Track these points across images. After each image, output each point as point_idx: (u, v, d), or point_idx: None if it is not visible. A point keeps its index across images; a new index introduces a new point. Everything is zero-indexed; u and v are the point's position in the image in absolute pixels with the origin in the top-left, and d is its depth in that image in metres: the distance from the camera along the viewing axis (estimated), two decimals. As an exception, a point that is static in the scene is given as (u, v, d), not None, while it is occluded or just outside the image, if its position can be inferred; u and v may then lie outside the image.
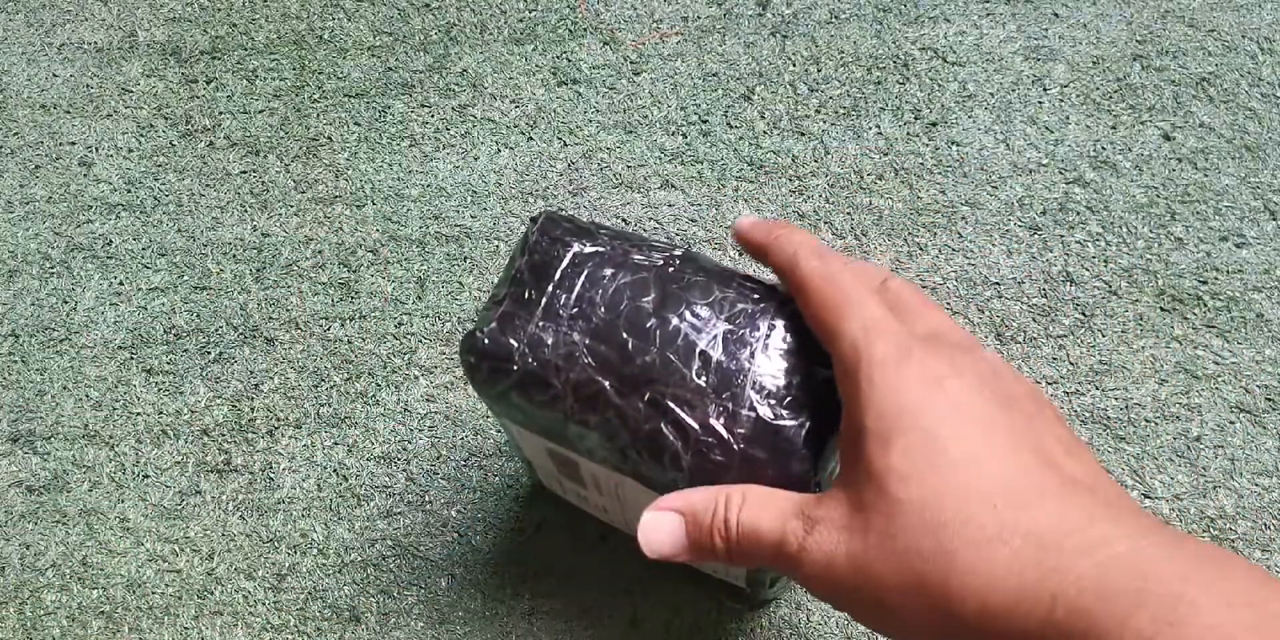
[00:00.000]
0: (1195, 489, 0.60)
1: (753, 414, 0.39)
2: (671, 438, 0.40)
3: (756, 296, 0.42)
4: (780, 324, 0.41)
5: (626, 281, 0.42)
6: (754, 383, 0.40)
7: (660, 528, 0.37)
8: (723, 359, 0.40)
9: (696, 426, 0.39)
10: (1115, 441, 0.61)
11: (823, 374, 0.40)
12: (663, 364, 0.40)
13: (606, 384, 0.41)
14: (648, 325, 0.41)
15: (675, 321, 0.41)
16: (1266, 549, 0.58)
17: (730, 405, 0.39)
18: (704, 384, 0.40)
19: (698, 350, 0.40)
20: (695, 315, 0.41)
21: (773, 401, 0.39)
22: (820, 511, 0.34)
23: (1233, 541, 0.59)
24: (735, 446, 0.39)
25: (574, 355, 0.41)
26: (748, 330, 0.41)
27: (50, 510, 0.64)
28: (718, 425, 0.39)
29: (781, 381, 0.40)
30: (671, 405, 0.40)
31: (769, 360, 0.40)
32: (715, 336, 0.41)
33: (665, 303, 0.41)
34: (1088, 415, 0.62)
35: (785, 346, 0.41)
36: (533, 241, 0.44)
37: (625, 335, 0.41)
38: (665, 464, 0.40)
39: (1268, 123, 0.70)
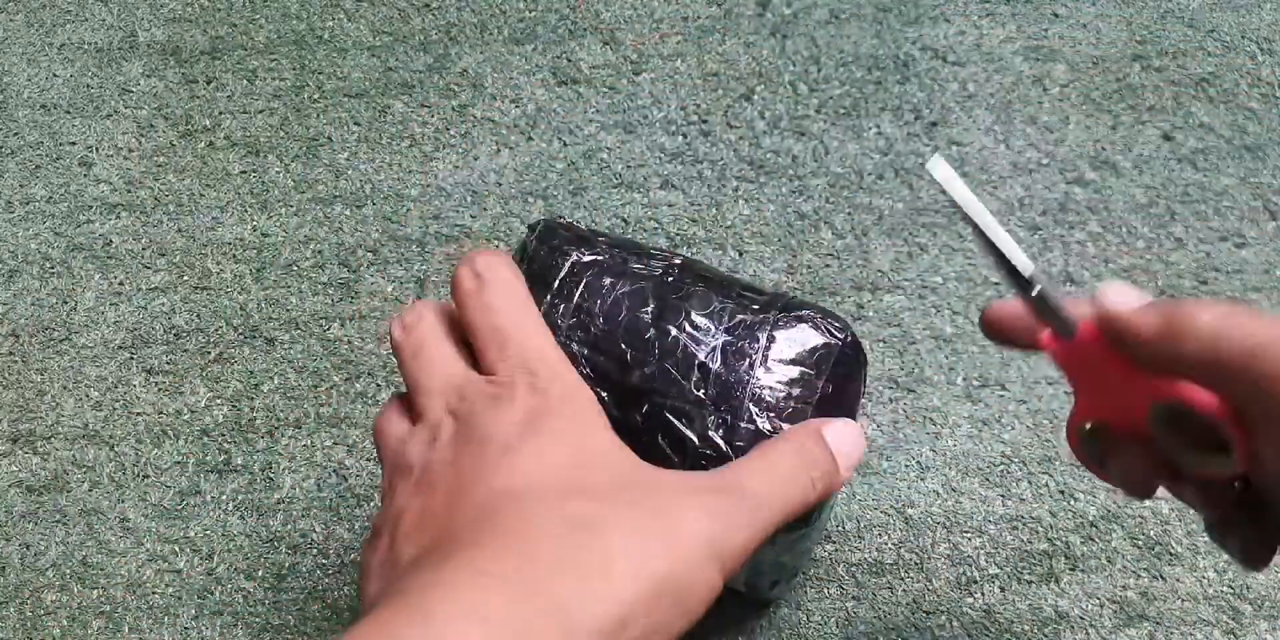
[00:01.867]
0: (1193, 491, 0.60)
1: (751, 427, 0.39)
2: (669, 450, 0.40)
3: (756, 307, 0.42)
4: (780, 335, 0.41)
5: (625, 291, 0.42)
6: (753, 395, 0.40)
7: None
8: (721, 371, 0.40)
9: (695, 438, 0.39)
10: (1113, 443, 0.61)
11: (821, 388, 0.40)
12: (661, 376, 0.40)
13: (605, 395, 0.41)
14: (646, 336, 0.41)
15: (674, 332, 0.41)
16: (1263, 551, 0.58)
17: (729, 418, 0.39)
18: (703, 396, 0.40)
19: (696, 362, 0.40)
20: (694, 326, 0.41)
21: (771, 414, 0.39)
22: None
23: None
24: (733, 459, 0.39)
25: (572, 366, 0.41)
26: (747, 342, 0.41)
27: (50, 510, 0.64)
28: (716, 437, 0.39)
29: (780, 394, 0.40)
30: (670, 417, 0.40)
31: (768, 372, 0.40)
32: (714, 348, 0.41)
33: (664, 313, 0.42)
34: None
35: (784, 358, 0.41)
36: (531, 250, 0.44)
37: (624, 346, 0.41)
38: (663, 475, 0.40)
39: (1268, 123, 0.70)
